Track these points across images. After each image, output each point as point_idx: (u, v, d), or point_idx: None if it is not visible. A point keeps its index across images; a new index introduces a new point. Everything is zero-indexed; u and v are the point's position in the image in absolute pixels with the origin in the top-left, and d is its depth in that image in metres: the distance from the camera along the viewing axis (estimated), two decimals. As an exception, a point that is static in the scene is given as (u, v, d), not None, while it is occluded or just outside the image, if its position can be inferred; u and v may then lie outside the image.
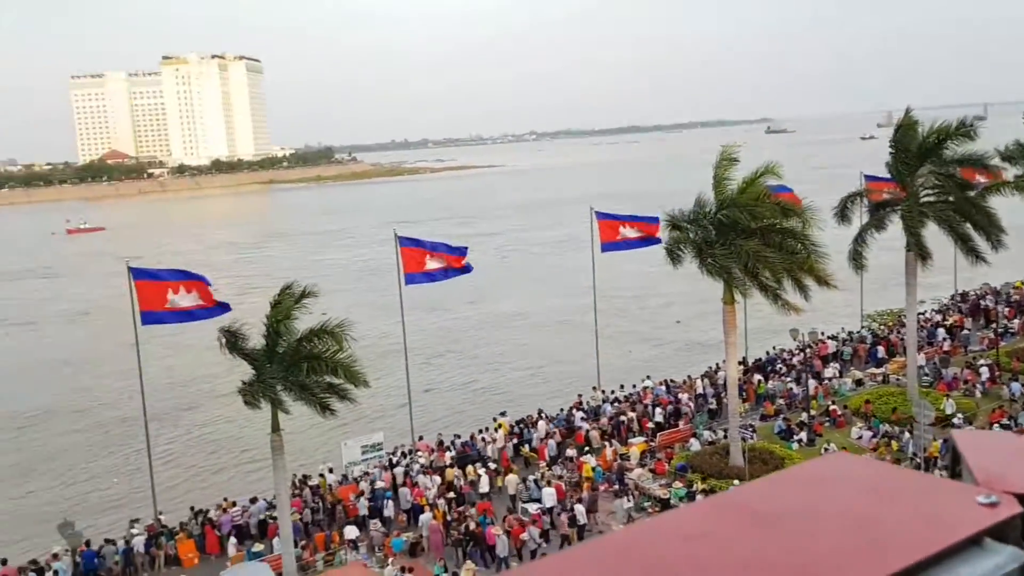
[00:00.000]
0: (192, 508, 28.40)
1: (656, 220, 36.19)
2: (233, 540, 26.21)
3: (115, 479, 34.51)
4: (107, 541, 26.07)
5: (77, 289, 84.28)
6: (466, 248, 34.40)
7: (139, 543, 25.97)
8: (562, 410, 34.81)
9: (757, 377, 37.12)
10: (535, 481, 27.96)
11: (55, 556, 25.06)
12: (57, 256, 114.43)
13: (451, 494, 27.70)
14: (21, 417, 43.95)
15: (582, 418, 33.49)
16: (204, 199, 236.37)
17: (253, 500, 28.29)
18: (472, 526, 25.11)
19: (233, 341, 22.49)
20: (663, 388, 36.65)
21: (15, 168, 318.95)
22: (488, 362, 49.82)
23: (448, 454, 30.98)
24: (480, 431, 33.11)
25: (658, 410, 33.87)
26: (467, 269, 33.88)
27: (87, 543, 25.20)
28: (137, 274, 28.11)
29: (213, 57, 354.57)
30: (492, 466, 29.62)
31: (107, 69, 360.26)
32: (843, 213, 32.38)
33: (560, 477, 28.56)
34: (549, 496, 26.78)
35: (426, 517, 26.04)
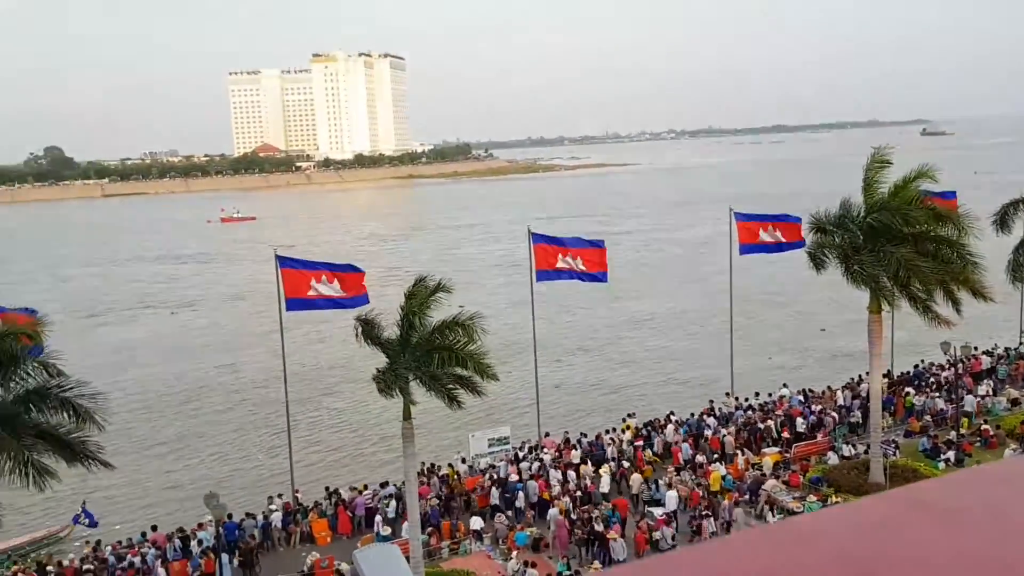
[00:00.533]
0: (327, 489, 29.47)
1: (798, 221, 34.86)
2: (376, 521, 26.99)
3: (259, 456, 36.23)
4: (248, 515, 27.43)
5: (233, 274, 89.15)
6: (602, 241, 34.12)
7: (277, 519, 27.21)
8: (692, 415, 34.11)
9: (907, 390, 35.21)
10: (657, 483, 27.63)
11: (200, 526, 26.60)
12: (214, 243, 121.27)
13: (577, 492, 27.64)
14: (182, 393, 46.87)
15: (714, 424, 32.72)
16: (347, 192, 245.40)
17: (383, 484, 29.11)
18: (601, 527, 24.92)
19: (368, 330, 23.09)
20: (800, 398, 35.32)
21: (176, 159, 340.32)
22: (620, 362, 49.43)
23: (574, 452, 30.92)
24: (607, 431, 32.89)
25: (799, 420, 32.63)
26: (599, 276, 33.37)
27: (229, 515, 26.55)
28: (283, 262, 29.37)
29: (360, 55, 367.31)
30: (621, 465, 29.42)
31: (262, 67, 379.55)
32: (1003, 221, 30.27)
33: (684, 482, 28.00)
34: (671, 499, 26.38)
35: (554, 512, 26.09)
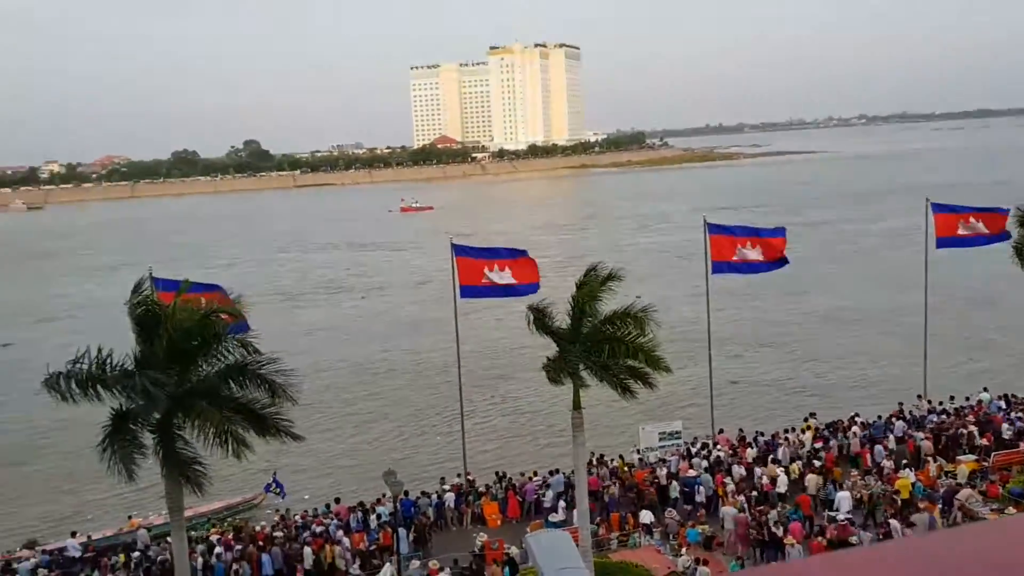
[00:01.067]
0: (497, 473, 30.03)
1: (1004, 212, 32.03)
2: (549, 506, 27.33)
3: (437, 438, 37.38)
4: (423, 493, 28.39)
5: (415, 261, 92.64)
6: (783, 229, 32.69)
7: (450, 499, 28.01)
8: (880, 417, 32.12)
9: None
10: (834, 483, 26.58)
11: (378, 501, 27.81)
12: (396, 231, 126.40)
13: (753, 492, 26.74)
14: (368, 374, 49.18)
15: (903, 428, 30.70)
16: (521, 182, 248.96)
17: (553, 472, 29.32)
18: (779, 531, 23.97)
19: (540, 319, 23.21)
20: (1001, 403, 32.50)
21: (361, 151, 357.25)
22: (803, 359, 47.34)
23: (749, 450, 29.92)
24: (786, 431, 31.59)
25: (1004, 427, 30.05)
26: (778, 264, 31.92)
27: (406, 492, 27.57)
28: (458, 251, 30.09)
29: (536, 46, 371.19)
30: (810, 465, 28.30)
31: (442, 60, 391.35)
32: None
33: (868, 486, 26.46)
34: (844, 500, 25.13)
35: (729, 510, 25.37)
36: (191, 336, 18.98)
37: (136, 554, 25.37)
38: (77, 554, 25.78)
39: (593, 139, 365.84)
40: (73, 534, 27.10)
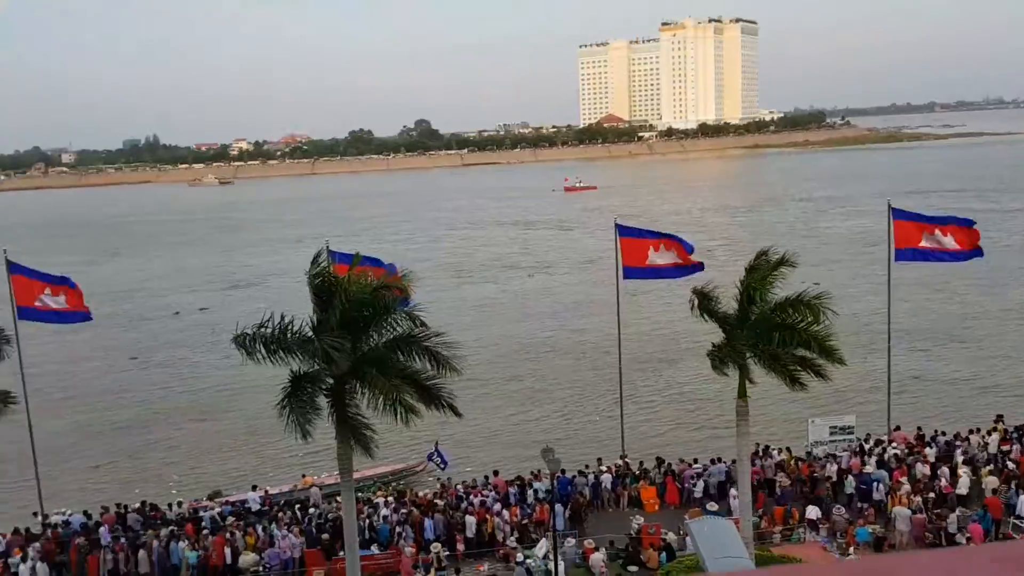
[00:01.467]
0: (657, 458, 29.63)
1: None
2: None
3: (596, 418, 37.31)
4: (580, 472, 28.42)
5: (580, 240, 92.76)
6: (972, 220, 30.23)
7: (607, 480, 27.90)
8: (1080, 423, 29.32)
9: None
10: (1017, 488, 24.81)
11: (536, 477, 28.08)
12: (560, 210, 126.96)
13: (931, 493, 25.09)
14: (532, 351, 49.72)
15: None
16: (689, 162, 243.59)
17: (714, 461, 28.62)
18: (960, 537, 22.42)
19: (705, 303, 22.59)
20: None
21: (527, 130, 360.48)
22: (998, 357, 43.78)
23: (928, 450, 28.05)
24: (970, 431, 29.38)
25: None
26: (972, 254, 29.49)
27: (563, 470, 27.70)
28: (622, 231, 29.74)
29: (710, 21, 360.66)
30: (1005, 469, 26.34)
31: (611, 38, 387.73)
32: None
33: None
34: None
35: (902, 510, 23.94)
36: (363, 307, 19.81)
37: (312, 510, 26.88)
38: (256, 507, 27.59)
39: (768, 118, 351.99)
40: (254, 487, 29.03)
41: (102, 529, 25.84)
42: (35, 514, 27.32)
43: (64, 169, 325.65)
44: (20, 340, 25.67)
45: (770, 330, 21.50)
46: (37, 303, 28.00)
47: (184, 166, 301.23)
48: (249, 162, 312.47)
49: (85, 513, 27.36)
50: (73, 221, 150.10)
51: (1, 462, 33.39)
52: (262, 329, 19.24)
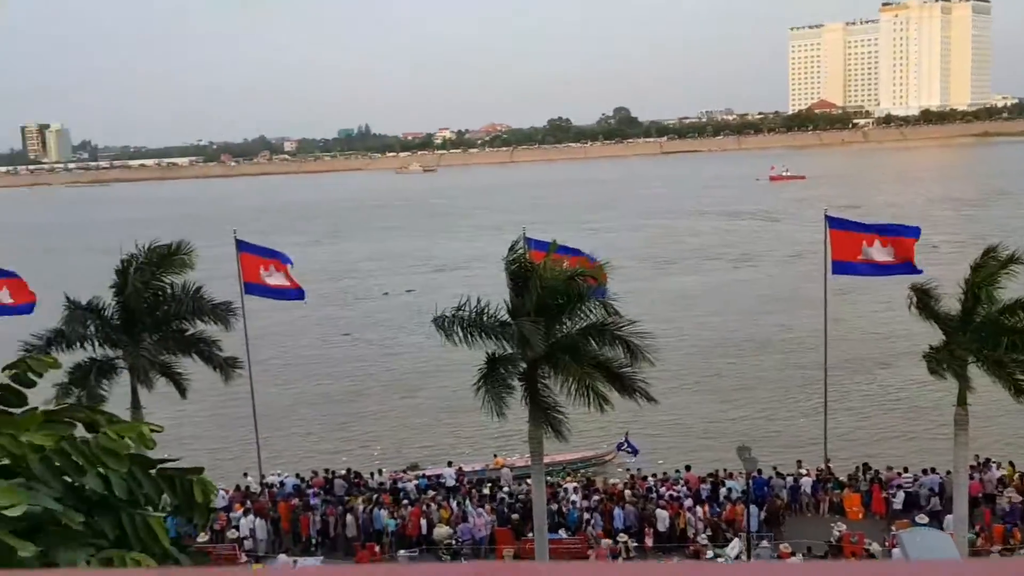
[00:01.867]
0: (865, 465, 27.96)
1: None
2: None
3: (800, 420, 35.50)
4: (777, 474, 27.34)
5: (787, 232, 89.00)
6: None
7: (807, 483, 26.69)
8: None
9: None
10: None
11: (729, 475, 27.30)
12: (764, 200, 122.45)
13: None
14: (734, 344, 48.06)
15: None
16: (909, 151, 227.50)
17: (927, 471, 26.66)
18: None
19: (924, 302, 21.12)
20: None
21: (730, 117, 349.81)
22: None
23: None
24: None
25: None
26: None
27: (759, 471, 26.78)
28: (833, 223, 28.22)
29: (936, 0, 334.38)
30: None
31: (825, 19, 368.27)
32: None
33: None
34: None
35: None
36: (557, 294, 20.10)
37: (504, 490, 27.60)
38: (451, 482, 28.66)
39: (1001, 104, 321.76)
40: (449, 464, 30.18)
41: (311, 492, 27.81)
42: (245, 474, 29.80)
43: (286, 157, 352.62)
44: (246, 314, 27.97)
45: (996, 334, 19.93)
46: (262, 279, 30.44)
47: (392, 154, 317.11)
48: (451, 151, 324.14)
49: (298, 476, 29.56)
50: (294, 205, 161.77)
51: (227, 426, 36.64)
52: (460, 312, 19.99)
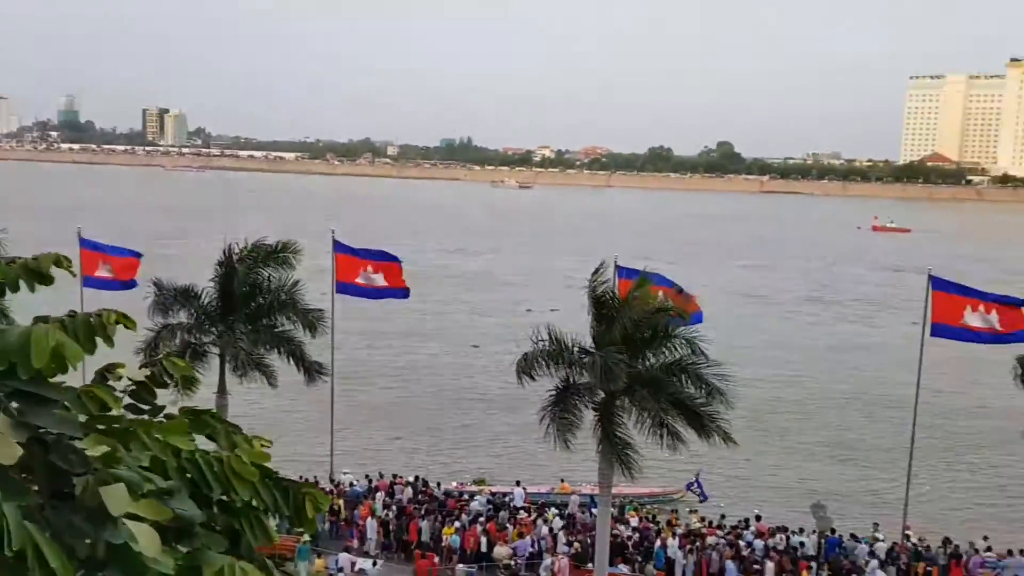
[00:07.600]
0: (945, 538, 26.59)
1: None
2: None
3: (927, 487, 33.71)
4: (852, 536, 26.28)
5: (887, 285, 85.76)
6: None
7: (882, 549, 25.57)
8: None
9: None
10: None
11: (800, 530, 26.39)
12: (868, 250, 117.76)
13: None
14: (815, 395, 46.62)
15: None
16: None
17: (1011, 552, 25.20)
18: None
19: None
20: None
21: (838, 162, 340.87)
22: None
23: None
24: None
25: None
26: None
27: (832, 530, 25.82)
28: (936, 284, 27.17)
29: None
30: None
31: (947, 71, 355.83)
32: None
33: None
34: None
35: None
36: (641, 328, 19.86)
37: (568, 515, 27.38)
38: (519, 502, 28.54)
39: None
40: (517, 483, 30.05)
41: (379, 495, 28.09)
42: (309, 477, 30.18)
43: (387, 160, 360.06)
44: (338, 318, 28.27)
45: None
46: (359, 280, 30.81)
47: (491, 167, 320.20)
48: (549, 169, 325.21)
49: (367, 477, 29.92)
50: (381, 207, 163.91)
51: (304, 427, 36.97)
52: (538, 344, 19.95)
